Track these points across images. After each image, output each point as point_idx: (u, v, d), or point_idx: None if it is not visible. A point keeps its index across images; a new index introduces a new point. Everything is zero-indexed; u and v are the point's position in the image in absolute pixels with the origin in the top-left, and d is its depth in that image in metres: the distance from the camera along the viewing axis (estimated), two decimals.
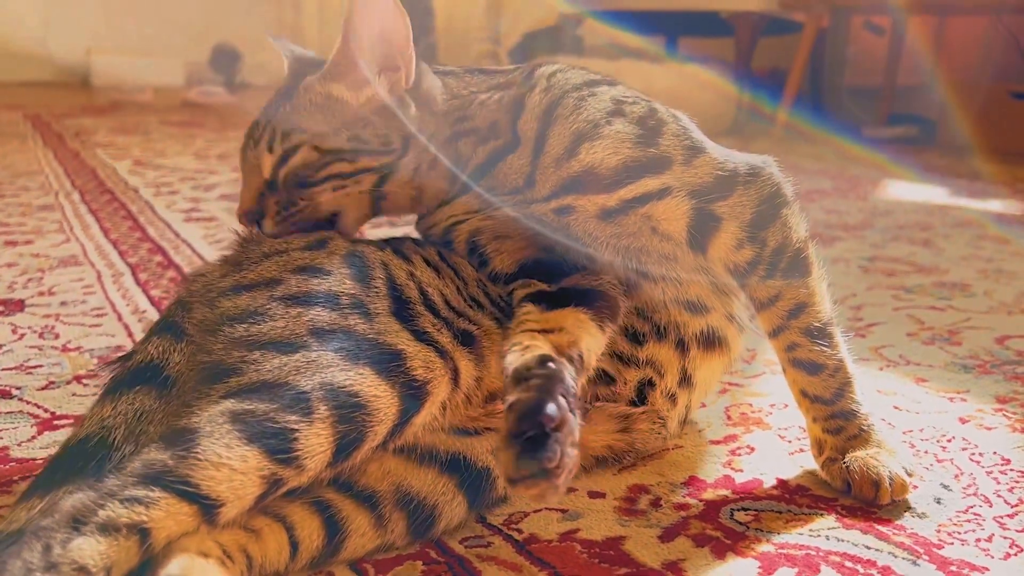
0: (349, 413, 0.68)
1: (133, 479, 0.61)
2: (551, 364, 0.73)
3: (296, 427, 0.65)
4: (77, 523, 0.59)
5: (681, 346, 0.95)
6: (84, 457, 0.71)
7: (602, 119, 0.88)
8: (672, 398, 0.95)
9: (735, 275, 0.89)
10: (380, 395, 0.70)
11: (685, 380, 0.96)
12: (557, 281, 0.89)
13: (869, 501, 0.86)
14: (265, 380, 0.69)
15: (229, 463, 0.63)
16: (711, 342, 0.97)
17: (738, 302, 0.97)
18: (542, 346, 0.76)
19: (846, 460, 0.88)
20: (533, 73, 0.94)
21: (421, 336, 0.77)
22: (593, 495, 0.88)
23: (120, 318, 1.35)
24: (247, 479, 0.63)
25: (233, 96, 5.10)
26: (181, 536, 0.63)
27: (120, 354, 0.88)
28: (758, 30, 4.38)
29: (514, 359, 0.75)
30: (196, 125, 3.87)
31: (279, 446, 0.64)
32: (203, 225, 1.98)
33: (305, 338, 0.72)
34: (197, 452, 0.62)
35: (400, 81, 0.92)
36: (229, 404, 0.66)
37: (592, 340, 0.82)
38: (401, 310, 0.79)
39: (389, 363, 0.72)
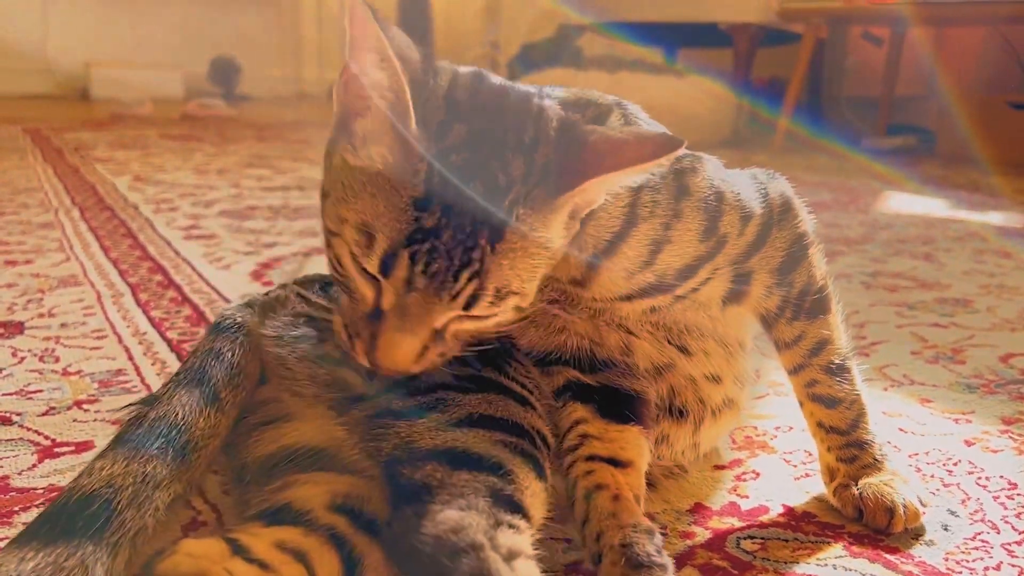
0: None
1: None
2: (662, 555, 0.74)
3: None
4: None
5: (696, 422, 0.93)
6: (86, 518, 0.68)
7: (672, 215, 0.80)
8: (681, 455, 0.95)
9: (761, 322, 0.89)
10: None
11: (694, 447, 0.95)
12: (593, 371, 0.87)
13: (882, 529, 0.85)
14: None
15: None
16: (722, 408, 0.96)
17: (745, 358, 0.96)
18: (628, 500, 0.79)
19: (859, 487, 0.87)
20: None
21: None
22: None
23: (120, 340, 1.35)
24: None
25: (232, 109, 5.11)
26: None
27: (139, 399, 0.85)
28: (757, 41, 4.39)
29: (605, 518, 0.77)
30: (195, 139, 3.87)
31: None
32: (203, 243, 1.98)
33: None
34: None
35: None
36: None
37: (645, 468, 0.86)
38: None
39: None
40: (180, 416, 0.77)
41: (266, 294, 0.91)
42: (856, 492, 0.87)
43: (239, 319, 0.87)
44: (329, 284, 0.90)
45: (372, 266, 0.67)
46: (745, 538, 0.85)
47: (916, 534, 0.86)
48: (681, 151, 0.69)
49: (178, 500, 0.76)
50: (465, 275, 0.66)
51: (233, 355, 0.83)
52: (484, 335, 0.75)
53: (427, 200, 0.65)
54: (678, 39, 4.91)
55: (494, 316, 0.71)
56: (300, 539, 0.71)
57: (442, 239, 0.65)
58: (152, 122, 4.49)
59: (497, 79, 0.75)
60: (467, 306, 0.68)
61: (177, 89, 5.83)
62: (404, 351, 0.69)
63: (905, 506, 0.85)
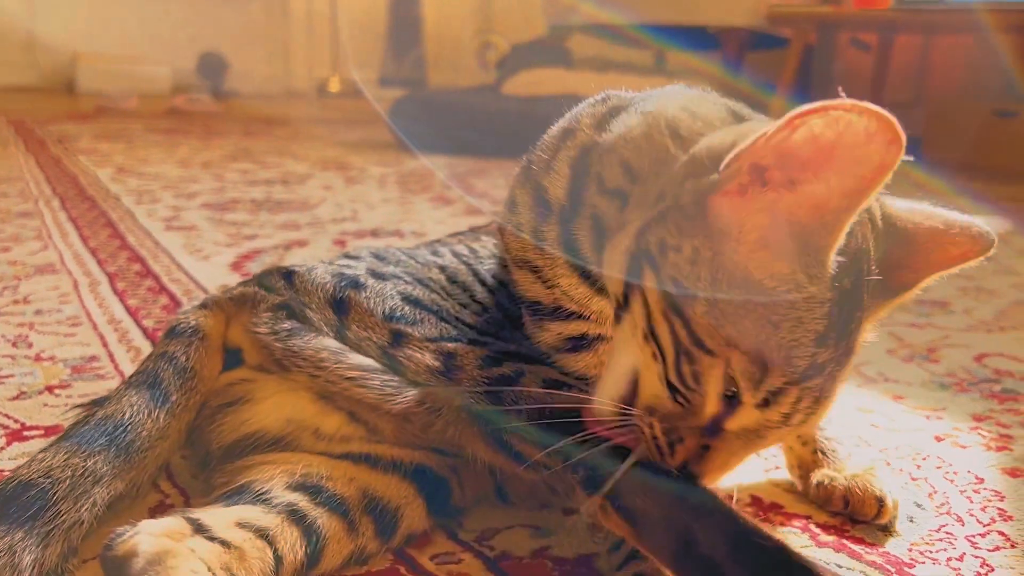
0: None
1: None
2: None
3: None
4: None
5: None
6: (19, 505, 0.68)
7: None
8: None
9: None
10: None
11: None
12: None
13: (868, 519, 0.86)
14: None
15: None
16: None
17: None
18: None
19: (845, 480, 0.88)
20: None
21: None
22: (567, 511, 0.87)
23: (96, 327, 1.34)
24: None
25: (219, 104, 5.09)
26: (169, 560, 0.63)
27: (93, 399, 0.86)
28: (746, 45, 4.41)
29: None
30: (181, 133, 3.86)
31: None
32: (183, 234, 1.97)
33: None
34: None
35: None
36: None
37: None
38: None
39: None
40: (127, 416, 0.78)
41: (228, 293, 0.91)
42: (843, 484, 0.88)
43: (193, 322, 0.87)
44: (291, 273, 0.90)
45: (755, 398, 0.62)
46: None
47: (885, 526, 0.87)
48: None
49: (122, 499, 0.77)
50: (828, 406, 0.65)
51: (187, 359, 0.84)
52: None
53: (825, 336, 0.61)
54: (667, 42, 4.92)
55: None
56: (261, 516, 0.71)
57: (829, 377, 0.63)
58: (138, 116, 4.47)
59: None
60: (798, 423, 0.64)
61: (164, 84, 5.80)
62: (736, 464, 0.66)
63: (890, 497, 0.86)
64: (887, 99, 4.60)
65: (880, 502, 0.86)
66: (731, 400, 0.63)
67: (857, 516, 0.87)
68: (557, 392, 0.75)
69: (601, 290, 0.75)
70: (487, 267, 0.95)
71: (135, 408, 0.79)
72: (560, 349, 0.81)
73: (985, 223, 0.69)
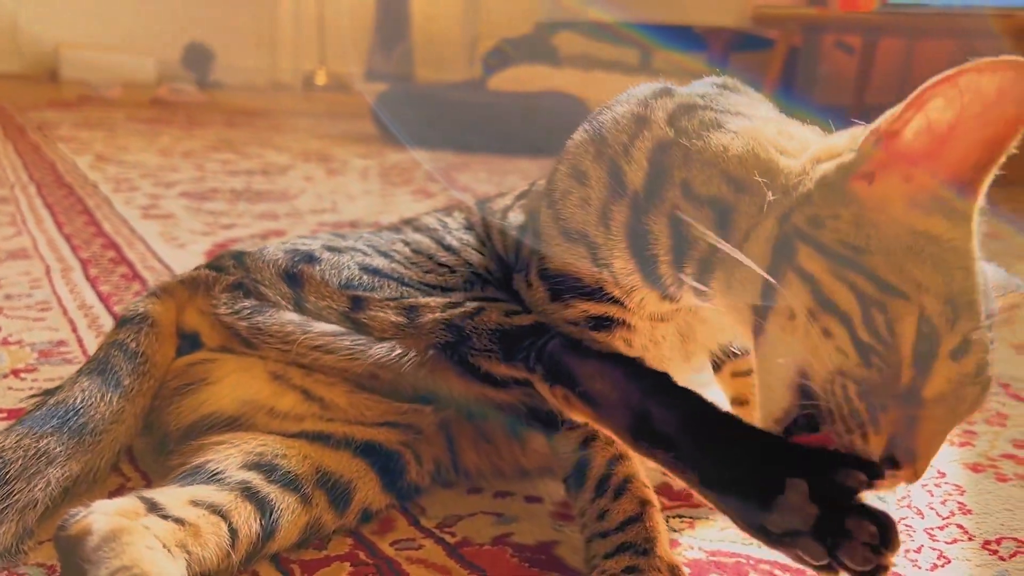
0: None
1: None
2: None
3: None
4: None
5: None
6: None
7: None
8: None
9: None
10: None
11: None
12: None
13: None
14: None
15: None
16: None
17: None
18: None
19: None
20: None
21: None
22: (530, 500, 0.88)
23: (66, 312, 1.33)
24: None
25: (204, 95, 5.06)
26: (124, 536, 0.63)
27: (47, 388, 0.86)
28: (731, 46, 4.42)
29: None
30: (163, 122, 3.83)
31: None
32: (160, 222, 1.96)
33: None
34: None
35: None
36: None
37: None
38: None
39: None
40: (79, 400, 0.79)
41: (178, 278, 0.92)
42: None
43: (141, 310, 0.88)
44: (242, 254, 0.91)
45: (951, 343, 0.60)
46: (674, 516, 0.86)
47: None
48: None
49: (79, 483, 0.77)
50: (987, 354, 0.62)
51: (137, 344, 0.85)
52: None
53: (987, 289, 0.62)
54: (654, 41, 4.93)
55: None
56: (214, 494, 0.72)
57: (991, 326, 0.62)
58: (121, 105, 4.44)
59: None
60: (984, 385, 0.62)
61: (149, 74, 5.76)
62: (937, 450, 0.61)
63: None
64: (870, 102, 4.63)
65: None
66: (925, 359, 0.60)
67: None
68: (517, 314, 0.79)
69: (654, 281, 0.75)
70: (455, 236, 0.95)
71: (87, 392, 0.80)
72: (578, 324, 0.80)
73: None
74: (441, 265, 0.90)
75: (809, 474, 0.58)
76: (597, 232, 0.77)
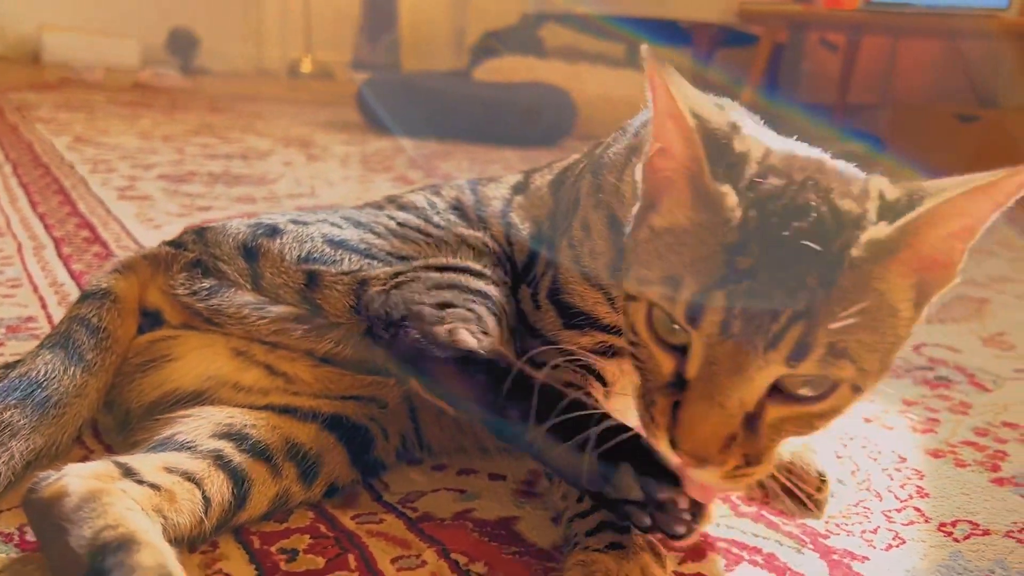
0: None
1: None
2: None
3: None
4: None
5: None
6: None
7: None
8: None
9: None
10: None
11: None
12: None
13: (810, 495, 0.85)
14: None
15: None
16: None
17: None
18: None
19: (787, 455, 0.88)
20: None
21: None
22: (493, 477, 0.88)
23: (36, 289, 1.32)
24: None
25: (187, 80, 5.02)
26: (104, 497, 0.63)
27: (3, 363, 0.86)
28: (716, 41, 4.44)
29: None
30: (144, 106, 3.80)
31: None
32: (137, 203, 1.94)
33: None
34: None
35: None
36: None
37: None
38: None
39: None
40: (42, 373, 0.79)
41: (141, 253, 0.92)
42: (785, 459, 0.88)
43: (104, 285, 0.87)
44: (203, 229, 0.92)
45: (680, 312, 0.59)
46: None
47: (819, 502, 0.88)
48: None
49: (42, 457, 0.77)
50: (787, 314, 0.56)
51: (99, 320, 0.85)
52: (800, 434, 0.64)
53: (742, 244, 0.58)
54: (640, 35, 4.94)
55: (824, 398, 0.60)
56: (187, 461, 0.72)
57: (758, 279, 0.57)
58: (102, 88, 4.40)
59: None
60: (792, 357, 0.57)
61: (132, 58, 5.70)
62: (711, 426, 0.59)
63: (829, 472, 0.88)
64: (853, 100, 4.66)
65: (821, 477, 0.85)
66: (674, 350, 0.62)
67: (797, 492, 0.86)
68: (450, 271, 0.82)
69: None
70: (443, 217, 0.97)
71: (50, 366, 0.80)
72: (592, 351, 0.84)
73: None
74: (422, 232, 0.91)
75: (636, 458, 0.64)
76: (610, 283, 0.81)
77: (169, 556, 0.59)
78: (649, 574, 0.66)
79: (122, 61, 5.56)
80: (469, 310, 0.79)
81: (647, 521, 0.63)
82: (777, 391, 0.59)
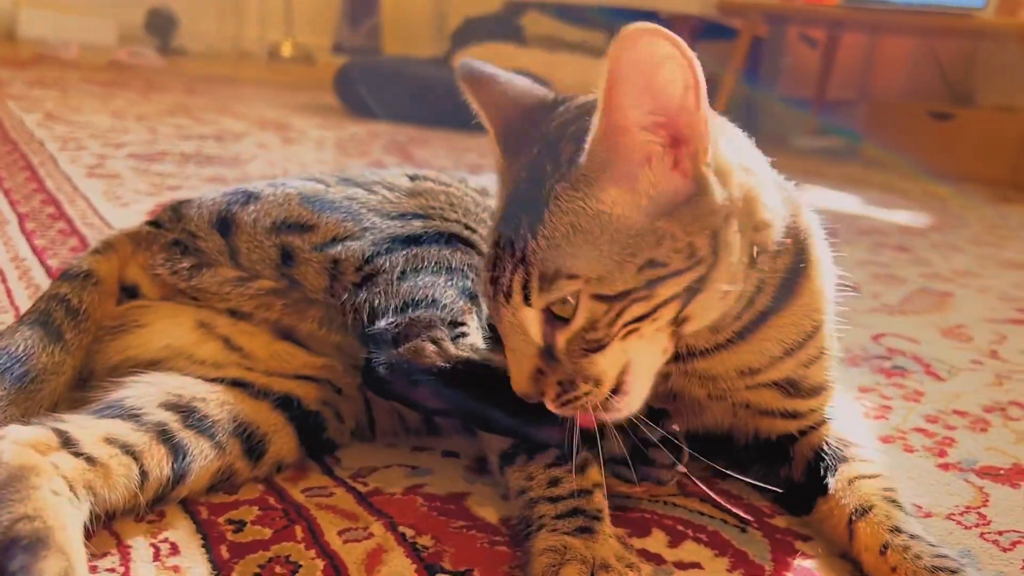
0: None
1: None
2: None
3: None
4: None
5: None
6: None
7: None
8: None
9: None
10: None
11: None
12: None
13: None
14: None
15: None
16: None
17: None
18: None
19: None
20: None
21: None
22: (446, 454, 0.89)
23: None
24: None
25: (164, 60, 4.98)
26: (32, 478, 0.63)
27: None
28: (696, 33, 4.45)
29: None
30: (119, 85, 3.77)
31: None
32: (106, 181, 1.93)
33: None
34: None
35: (696, 155, 0.65)
36: None
37: None
38: None
39: None
40: (21, 349, 0.80)
41: (123, 231, 0.93)
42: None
43: (86, 267, 0.88)
44: (180, 203, 0.92)
45: (481, 288, 0.72)
46: None
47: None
48: None
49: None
50: (509, 266, 0.66)
51: (79, 301, 0.85)
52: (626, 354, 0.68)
53: (502, 214, 0.70)
54: (620, 25, 4.94)
55: (576, 313, 0.66)
56: (130, 433, 0.72)
57: (502, 246, 0.68)
58: (77, 66, 4.35)
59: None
60: (526, 299, 0.66)
61: (109, 37, 5.64)
62: (516, 368, 0.69)
63: None
64: (831, 96, 4.69)
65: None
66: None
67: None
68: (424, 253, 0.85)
69: None
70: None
71: (29, 342, 0.81)
72: None
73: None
74: (412, 196, 0.93)
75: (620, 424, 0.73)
76: None
77: (77, 564, 0.59)
78: (620, 557, 0.67)
79: (98, 40, 5.50)
80: (432, 302, 0.80)
81: (634, 477, 0.74)
82: (553, 319, 0.67)
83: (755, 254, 0.71)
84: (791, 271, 0.75)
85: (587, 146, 0.65)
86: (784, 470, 0.85)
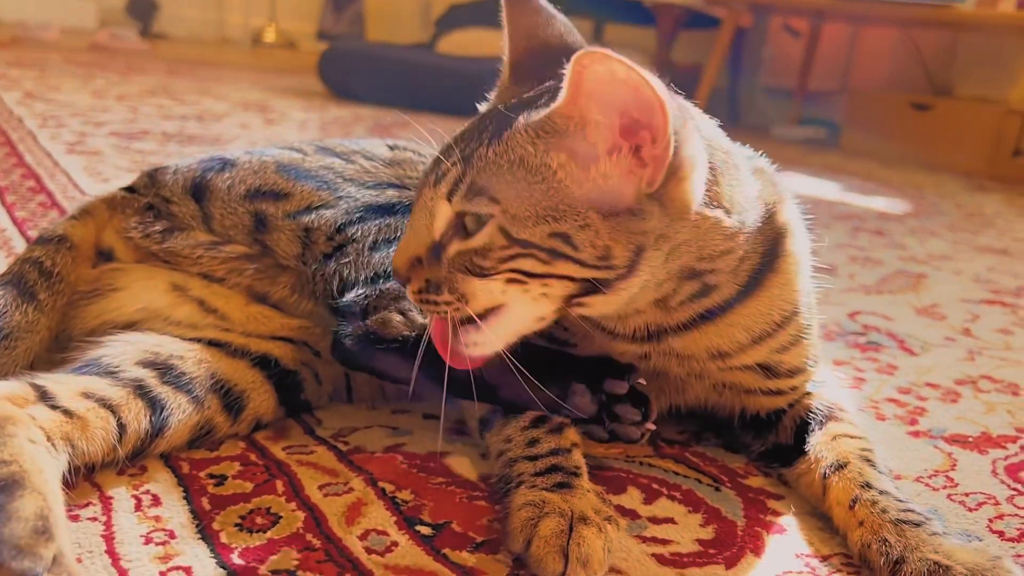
0: None
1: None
2: None
3: None
4: None
5: None
6: None
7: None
8: None
9: None
10: None
11: None
12: None
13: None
14: None
15: None
16: None
17: None
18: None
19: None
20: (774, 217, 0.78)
21: None
22: (427, 416, 0.90)
23: None
24: None
25: (145, 44, 4.94)
26: (8, 427, 0.64)
27: None
28: (680, 22, 4.46)
29: None
30: (100, 67, 3.73)
31: None
32: (86, 157, 1.92)
33: None
34: None
35: (643, 179, 0.66)
36: None
37: None
38: None
39: None
40: None
41: (99, 197, 0.94)
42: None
43: (60, 232, 0.89)
44: (156, 170, 0.94)
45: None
46: None
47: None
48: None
49: None
50: (454, 159, 0.69)
51: (52, 263, 0.86)
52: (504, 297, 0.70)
53: (475, 124, 0.73)
54: (605, 13, 4.95)
55: (477, 232, 0.68)
56: (107, 388, 0.72)
57: (459, 140, 0.71)
58: (58, 48, 4.31)
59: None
60: (449, 194, 0.68)
61: (90, 20, 5.59)
62: (404, 245, 0.72)
63: None
64: (813, 86, 4.72)
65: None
66: None
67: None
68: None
69: None
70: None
71: (3, 300, 0.81)
72: None
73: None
74: (390, 166, 0.94)
75: (588, 382, 0.78)
76: None
77: (54, 504, 0.60)
78: (598, 510, 0.68)
79: (79, 22, 5.45)
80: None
81: (604, 434, 0.78)
82: (459, 227, 0.69)
83: (700, 273, 0.73)
84: (757, 271, 0.76)
85: (554, 108, 0.66)
86: (772, 437, 0.87)
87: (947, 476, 0.88)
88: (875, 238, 2.19)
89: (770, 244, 0.77)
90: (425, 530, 0.69)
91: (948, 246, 2.17)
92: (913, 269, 1.86)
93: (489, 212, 0.67)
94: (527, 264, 0.67)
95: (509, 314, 0.70)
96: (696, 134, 0.68)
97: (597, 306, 0.71)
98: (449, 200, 0.68)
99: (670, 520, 0.75)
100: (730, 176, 0.73)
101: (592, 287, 0.68)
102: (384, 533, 0.68)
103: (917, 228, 2.37)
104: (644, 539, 0.72)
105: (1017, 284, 1.79)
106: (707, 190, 0.69)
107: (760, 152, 0.85)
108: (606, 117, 0.65)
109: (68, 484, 0.66)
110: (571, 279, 0.68)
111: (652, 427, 0.80)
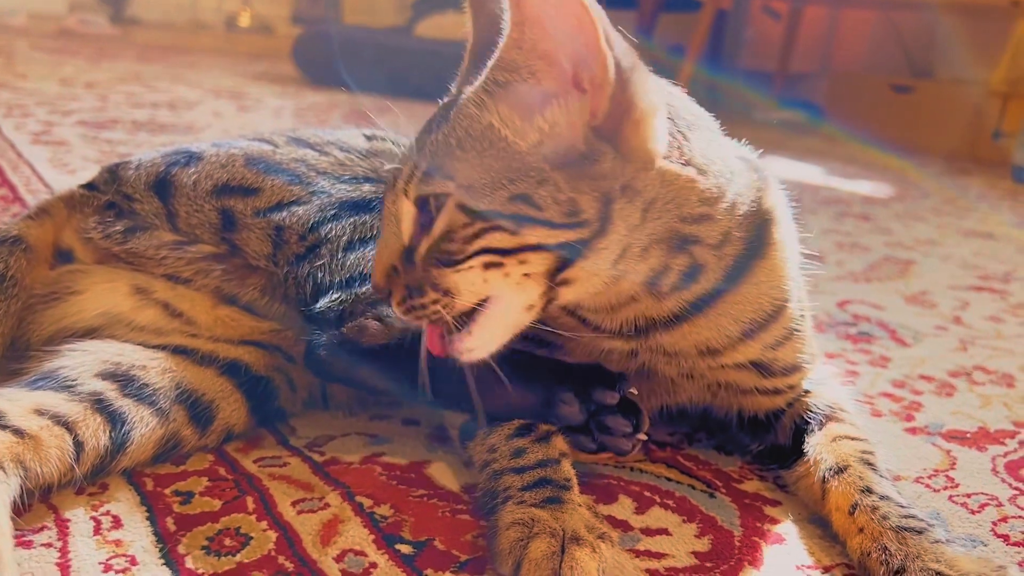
0: None
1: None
2: None
3: None
4: None
5: None
6: None
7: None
8: None
9: None
10: None
11: None
12: None
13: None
14: None
15: None
16: None
17: None
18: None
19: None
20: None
21: None
22: (407, 423, 0.86)
23: None
24: None
25: (116, 29, 4.83)
26: None
27: None
28: (660, 6, 4.41)
29: None
30: (69, 53, 3.64)
31: None
32: (51, 148, 1.86)
33: None
34: None
35: (586, 111, 0.63)
36: None
37: None
38: None
39: None
40: None
41: (57, 195, 0.89)
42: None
43: (15, 232, 0.84)
44: (116, 166, 0.88)
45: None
46: None
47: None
48: None
49: None
50: (410, 158, 0.67)
51: (5, 267, 0.81)
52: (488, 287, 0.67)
53: (429, 121, 0.70)
54: None
55: (439, 214, 0.65)
56: (62, 404, 0.68)
57: (415, 141, 0.69)
58: (26, 34, 4.21)
59: None
60: (407, 190, 0.67)
61: (59, 5, 5.47)
62: (378, 257, 0.69)
63: None
64: (794, 68, 4.70)
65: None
66: None
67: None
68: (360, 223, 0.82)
69: None
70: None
71: None
72: None
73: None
74: (366, 157, 0.90)
75: (576, 391, 0.74)
76: None
77: (1, 537, 0.56)
78: (591, 527, 0.64)
79: (48, 8, 5.33)
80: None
81: (592, 446, 0.75)
82: (425, 226, 0.66)
83: (685, 241, 0.69)
84: (743, 256, 0.73)
85: (492, 61, 0.64)
86: (770, 437, 0.83)
87: (947, 476, 0.85)
88: (861, 223, 2.17)
89: (755, 229, 0.73)
90: (406, 548, 0.65)
91: (934, 230, 2.16)
92: (900, 255, 1.84)
93: (445, 191, 0.64)
94: (496, 239, 0.64)
95: (497, 307, 0.66)
96: (650, 79, 0.65)
97: (583, 281, 0.67)
98: (406, 195, 0.67)
99: (664, 531, 0.71)
100: (700, 137, 0.70)
101: (572, 253, 0.65)
102: (362, 553, 0.64)
103: (902, 212, 2.35)
104: (638, 553, 0.68)
105: (1004, 269, 1.77)
106: (677, 148, 0.67)
107: (742, 140, 0.82)
108: (552, 44, 0.62)
109: (21, 508, 0.62)
110: (546, 249, 0.64)
111: (644, 438, 0.76)
